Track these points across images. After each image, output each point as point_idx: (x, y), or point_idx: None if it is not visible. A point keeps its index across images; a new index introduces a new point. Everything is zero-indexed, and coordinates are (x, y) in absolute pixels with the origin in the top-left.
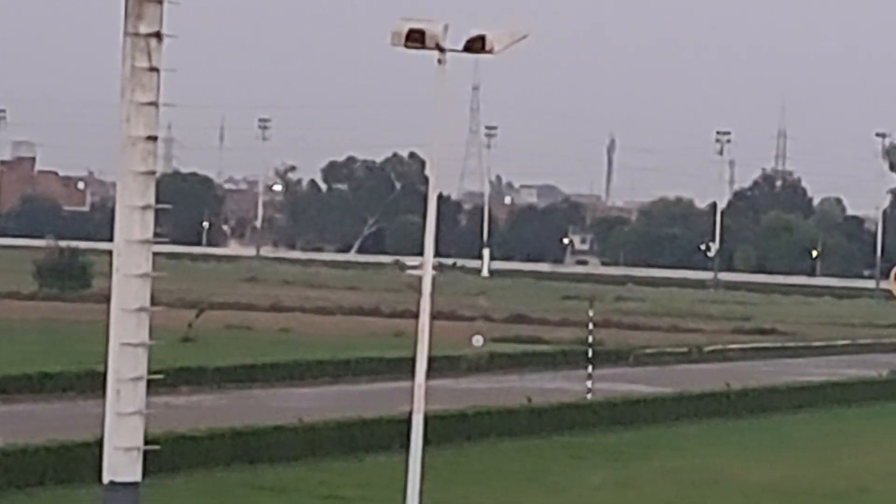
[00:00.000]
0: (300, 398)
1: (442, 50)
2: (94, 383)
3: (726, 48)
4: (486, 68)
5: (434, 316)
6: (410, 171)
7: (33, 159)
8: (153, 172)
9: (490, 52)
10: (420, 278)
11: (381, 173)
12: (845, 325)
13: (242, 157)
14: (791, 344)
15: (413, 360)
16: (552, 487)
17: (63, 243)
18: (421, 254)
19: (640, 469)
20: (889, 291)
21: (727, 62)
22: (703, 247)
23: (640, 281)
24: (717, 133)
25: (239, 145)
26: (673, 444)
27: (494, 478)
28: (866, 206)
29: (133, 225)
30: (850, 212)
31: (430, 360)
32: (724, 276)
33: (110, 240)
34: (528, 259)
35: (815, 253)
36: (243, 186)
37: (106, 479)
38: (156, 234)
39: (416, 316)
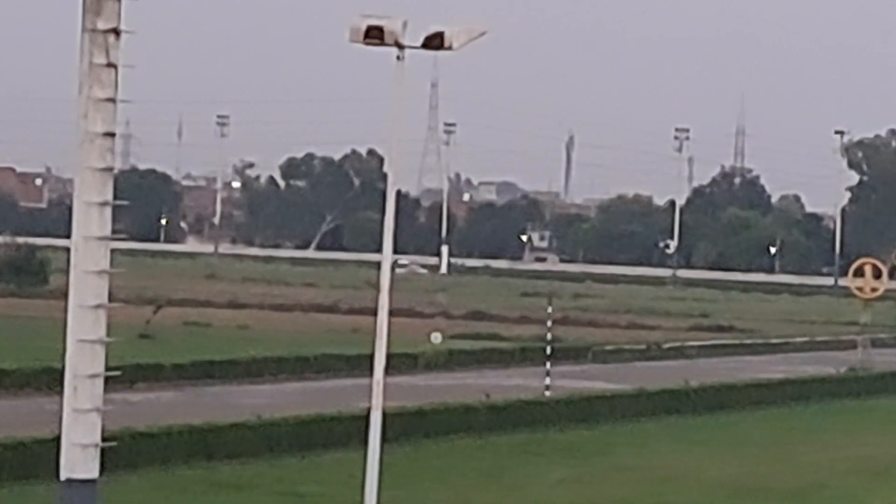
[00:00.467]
0: (258, 395)
1: (401, 46)
2: (51, 380)
3: (685, 45)
4: (445, 65)
5: (392, 313)
6: (369, 167)
7: None
8: (111, 169)
9: (449, 48)
10: (379, 275)
11: (339, 170)
12: (804, 323)
13: (201, 154)
14: (749, 341)
15: (371, 357)
16: (510, 484)
17: (20, 240)
18: (380, 251)
19: (599, 466)
20: (847, 289)
21: (686, 59)
22: (661, 244)
23: (598, 278)
24: (676, 130)
25: (197, 141)
26: (631, 441)
27: (453, 475)
28: (825, 203)
29: (91, 221)
30: (808, 209)
31: (389, 356)
32: (683, 273)
33: (68, 236)
34: (487, 256)
35: (773, 250)
36: (202, 183)
37: (63, 475)
38: (114, 231)
39: (374, 313)
